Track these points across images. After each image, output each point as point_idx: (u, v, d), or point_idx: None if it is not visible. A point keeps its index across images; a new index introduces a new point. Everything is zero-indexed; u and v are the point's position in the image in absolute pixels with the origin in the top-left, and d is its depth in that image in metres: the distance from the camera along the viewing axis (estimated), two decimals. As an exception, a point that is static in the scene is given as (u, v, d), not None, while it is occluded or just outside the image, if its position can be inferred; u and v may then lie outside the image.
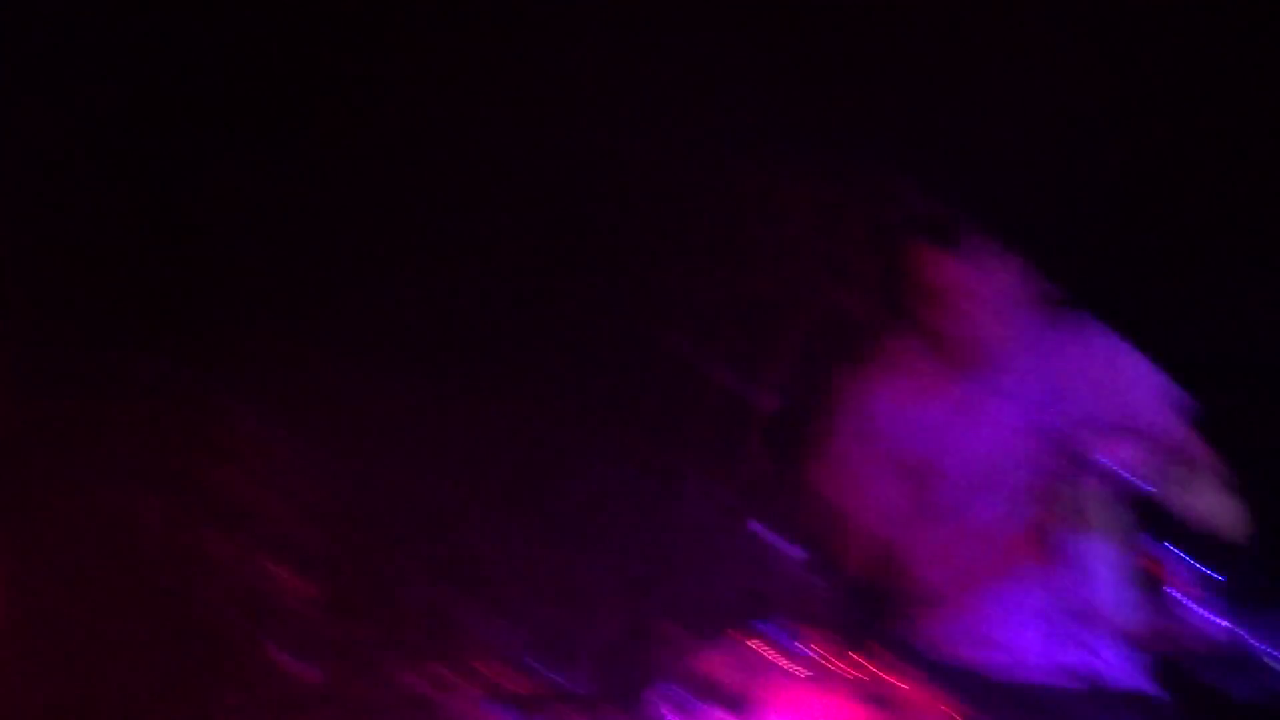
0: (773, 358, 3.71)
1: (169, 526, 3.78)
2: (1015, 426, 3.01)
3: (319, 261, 3.93)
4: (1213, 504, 2.99)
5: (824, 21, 3.74)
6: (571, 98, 3.75)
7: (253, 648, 3.75)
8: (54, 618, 3.78)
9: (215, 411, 3.86)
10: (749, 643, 2.98)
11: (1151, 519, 2.97)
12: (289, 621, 3.75)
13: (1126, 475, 2.94)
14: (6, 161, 3.88)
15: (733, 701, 2.95)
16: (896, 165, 3.47)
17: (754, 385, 3.67)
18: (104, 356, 3.83)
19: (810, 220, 3.86)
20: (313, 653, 3.73)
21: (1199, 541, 2.98)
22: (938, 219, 3.11)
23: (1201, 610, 2.92)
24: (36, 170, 3.90)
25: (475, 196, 3.85)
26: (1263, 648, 2.90)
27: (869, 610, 3.02)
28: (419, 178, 3.85)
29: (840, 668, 2.92)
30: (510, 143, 3.81)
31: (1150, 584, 2.97)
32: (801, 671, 2.95)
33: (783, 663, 2.96)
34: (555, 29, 3.77)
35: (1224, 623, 2.92)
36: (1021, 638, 2.92)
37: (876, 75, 3.74)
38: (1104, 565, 2.98)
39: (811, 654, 2.96)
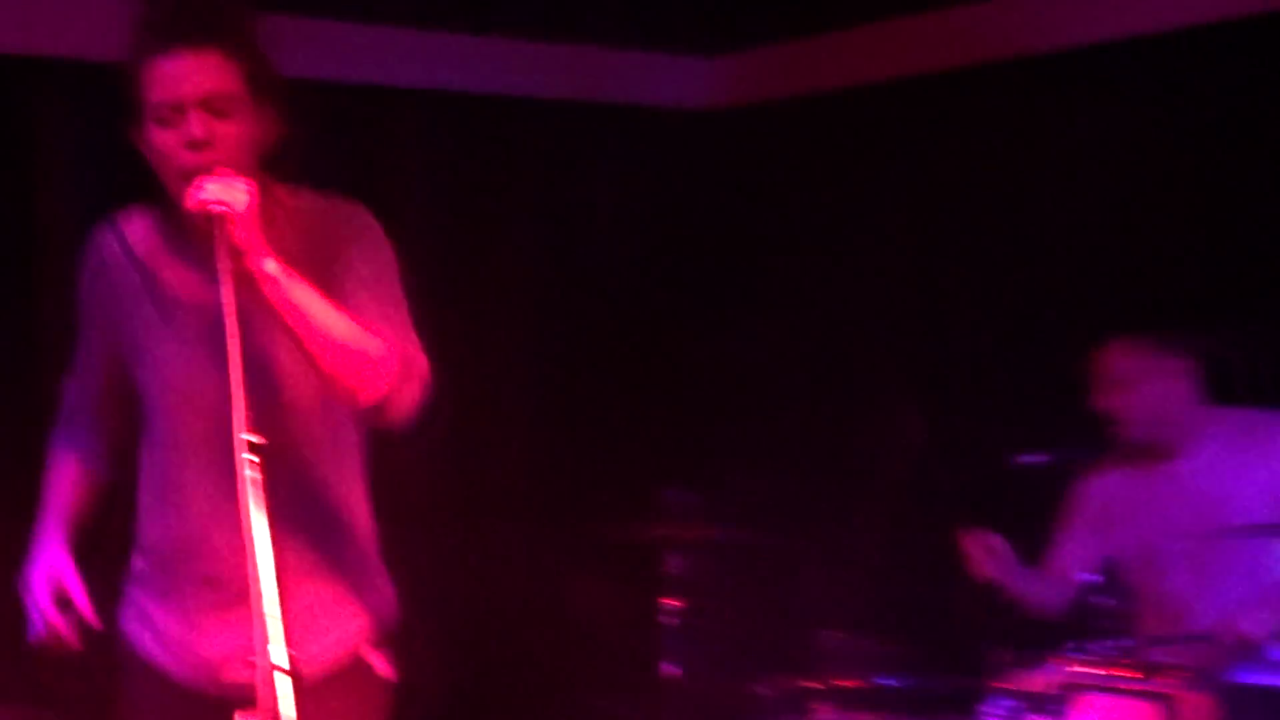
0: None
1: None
2: None
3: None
4: None
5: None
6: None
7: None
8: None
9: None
10: (1063, 661, 3.71)
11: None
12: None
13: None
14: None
15: (1052, 711, 3.66)
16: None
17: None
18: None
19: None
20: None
21: None
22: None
23: None
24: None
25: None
26: None
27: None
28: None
29: (1143, 685, 3.60)
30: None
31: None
32: (1110, 686, 3.64)
33: (1092, 679, 3.66)
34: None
35: None
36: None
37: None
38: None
39: (1117, 673, 3.66)
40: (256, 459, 2.44)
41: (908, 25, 5.28)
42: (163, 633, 2.92)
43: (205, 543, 2.85)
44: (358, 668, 2.90)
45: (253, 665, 2.42)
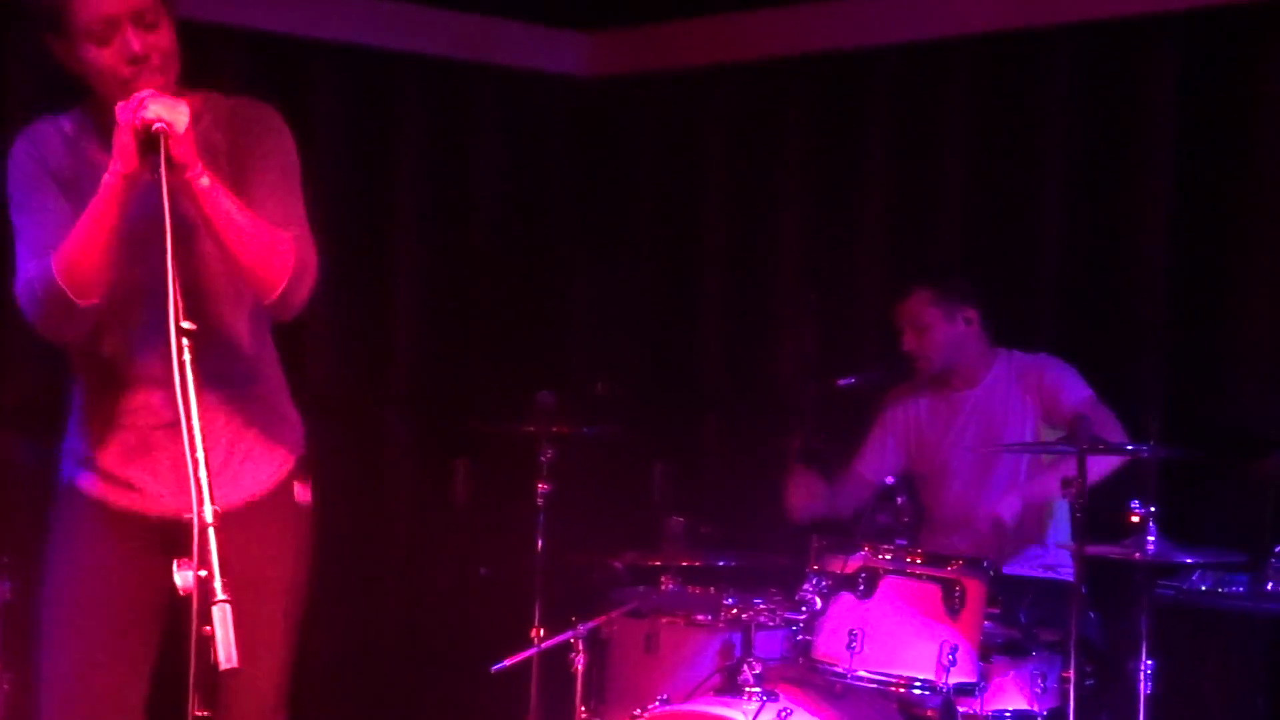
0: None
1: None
2: None
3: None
4: None
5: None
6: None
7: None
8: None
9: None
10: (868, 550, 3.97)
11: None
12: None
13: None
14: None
15: (860, 591, 3.95)
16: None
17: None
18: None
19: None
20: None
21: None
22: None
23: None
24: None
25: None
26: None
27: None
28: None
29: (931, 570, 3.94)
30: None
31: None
32: (905, 570, 3.95)
33: (891, 564, 3.93)
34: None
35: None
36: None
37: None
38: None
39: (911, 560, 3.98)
40: (188, 340, 2.54)
41: (765, 15, 5.59)
42: (103, 470, 3.06)
43: (145, 402, 3.02)
44: (279, 496, 3.08)
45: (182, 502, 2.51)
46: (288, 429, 3.19)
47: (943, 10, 5.25)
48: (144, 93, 2.78)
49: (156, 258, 2.62)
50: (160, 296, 2.58)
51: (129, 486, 3.07)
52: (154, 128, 2.72)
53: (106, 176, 2.81)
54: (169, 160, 2.72)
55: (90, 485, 3.10)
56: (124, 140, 2.77)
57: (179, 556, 2.46)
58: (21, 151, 3.02)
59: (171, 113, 2.73)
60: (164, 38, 2.88)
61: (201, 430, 2.51)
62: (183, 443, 2.67)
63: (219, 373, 2.96)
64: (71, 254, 2.86)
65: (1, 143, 4.56)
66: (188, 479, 2.79)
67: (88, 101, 2.99)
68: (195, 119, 2.82)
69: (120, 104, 2.77)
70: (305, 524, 3.16)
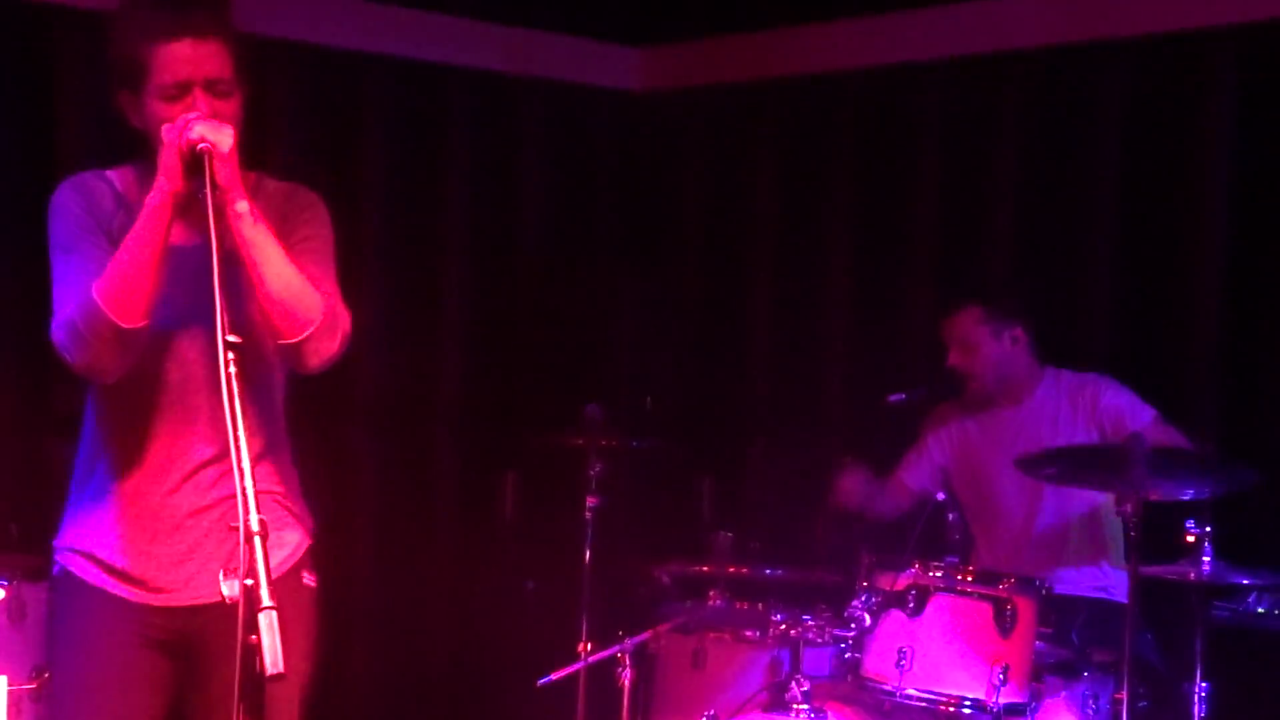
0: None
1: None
2: None
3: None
4: None
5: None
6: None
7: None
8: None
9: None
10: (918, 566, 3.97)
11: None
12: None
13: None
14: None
15: (909, 608, 3.96)
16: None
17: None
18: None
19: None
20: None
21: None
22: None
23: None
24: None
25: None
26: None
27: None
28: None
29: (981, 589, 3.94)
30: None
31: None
32: (955, 589, 3.99)
33: (941, 582, 3.94)
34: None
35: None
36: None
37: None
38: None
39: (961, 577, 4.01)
40: (233, 354, 2.51)
41: (816, 29, 5.63)
42: (108, 560, 3.00)
43: (163, 473, 2.98)
44: (291, 578, 3.04)
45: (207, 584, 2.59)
46: (302, 509, 3.16)
47: (994, 25, 5.24)
48: (190, 115, 2.83)
49: (189, 290, 2.66)
50: (197, 326, 2.63)
51: (128, 578, 3.02)
52: (199, 147, 2.76)
53: (151, 195, 2.83)
54: (212, 182, 2.75)
55: (88, 573, 3.04)
56: (170, 160, 2.80)
57: (204, 649, 2.52)
58: (69, 198, 3.02)
59: (217, 134, 2.78)
60: (232, 108, 2.91)
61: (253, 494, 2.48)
62: (203, 524, 2.83)
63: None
64: (114, 275, 2.85)
65: (55, 160, 4.74)
66: (202, 567, 2.96)
67: (143, 159, 3.00)
68: (249, 193, 2.87)
69: (166, 126, 2.82)
70: (312, 610, 3.13)
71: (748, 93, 5.84)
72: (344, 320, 2.99)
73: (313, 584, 3.13)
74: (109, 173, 3.05)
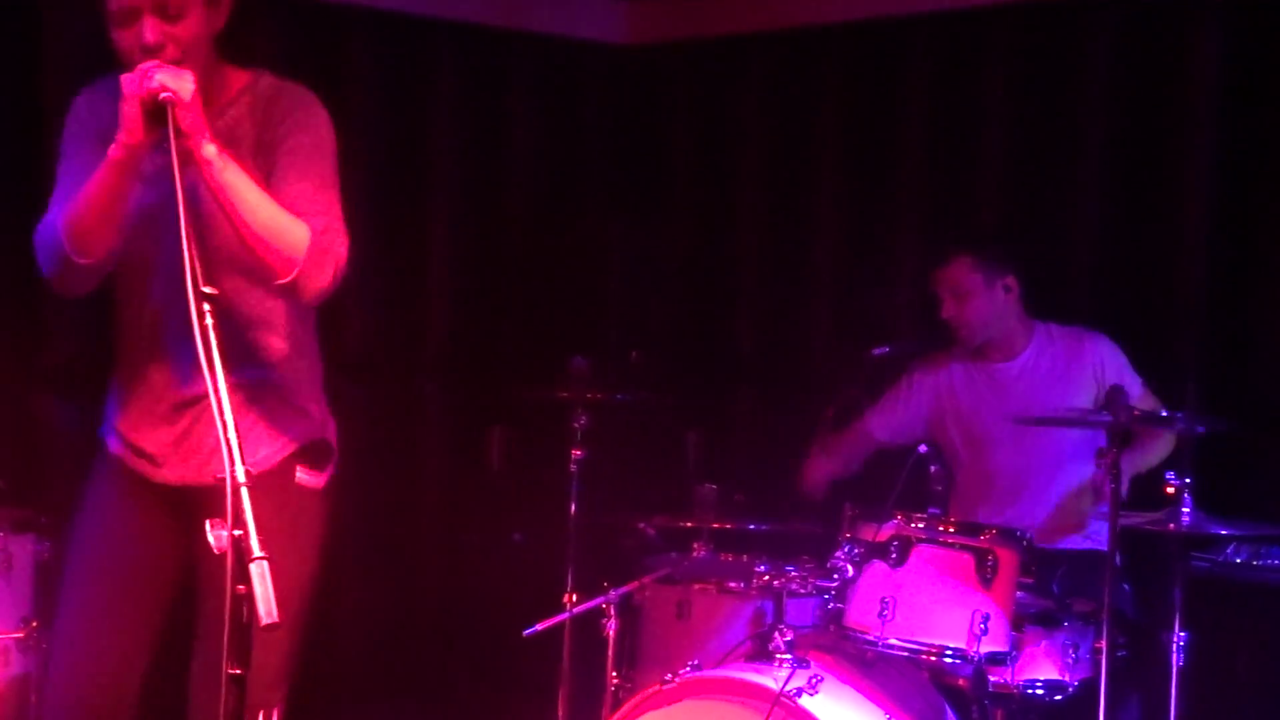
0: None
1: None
2: None
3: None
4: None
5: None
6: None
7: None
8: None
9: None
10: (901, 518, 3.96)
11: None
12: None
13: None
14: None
15: (891, 559, 3.94)
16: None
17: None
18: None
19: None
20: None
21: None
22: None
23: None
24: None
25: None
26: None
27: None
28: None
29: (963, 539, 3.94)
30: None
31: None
32: (938, 539, 3.96)
33: (924, 533, 3.92)
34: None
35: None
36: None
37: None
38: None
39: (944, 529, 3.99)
40: (209, 306, 2.51)
41: None
42: (121, 434, 3.15)
43: (164, 373, 3.08)
44: (275, 478, 3.05)
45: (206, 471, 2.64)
46: (300, 420, 3.16)
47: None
48: (148, 64, 2.81)
49: (172, 232, 2.63)
50: (176, 269, 2.58)
51: (141, 453, 3.14)
52: (161, 96, 2.75)
53: (112, 149, 2.84)
54: (177, 129, 2.75)
55: (114, 447, 3.19)
56: (130, 110, 2.80)
57: (205, 517, 2.45)
58: (79, 104, 3.09)
59: (177, 81, 2.76)
60: (187, 28, 2.89)
61: (228, 405, 2.49)
62: (190, 415, 2.90)
63: (226, 350, 2.83)
64: (72, 214, 2.92)
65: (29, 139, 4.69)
66: (196, 449, 3.04)
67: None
68: (226, 105, 2.89)
69: (125, 76, 2.82)
70: (309, 507, 3.14)
71: (735, 45, 5.83)
72: (337, 246, 2.96)
73: (313, 482, 3.13)
74: (104, 88, 3.04)
